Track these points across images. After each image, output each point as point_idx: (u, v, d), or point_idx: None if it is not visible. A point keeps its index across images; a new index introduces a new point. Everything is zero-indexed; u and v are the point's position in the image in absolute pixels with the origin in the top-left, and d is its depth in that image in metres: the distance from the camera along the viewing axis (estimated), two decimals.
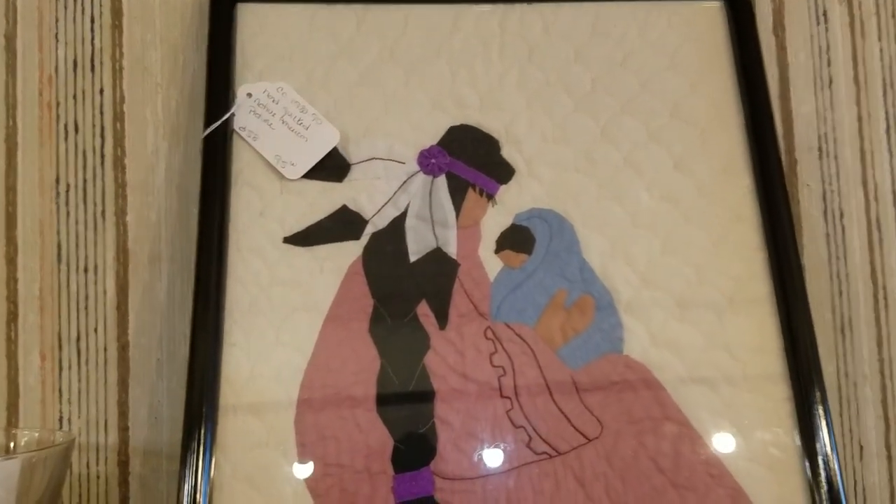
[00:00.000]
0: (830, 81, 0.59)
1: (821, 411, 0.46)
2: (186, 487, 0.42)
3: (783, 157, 0.57)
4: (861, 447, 0.55)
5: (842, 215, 0.58)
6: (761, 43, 0.57)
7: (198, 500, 0.42)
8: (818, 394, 0.47)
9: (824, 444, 0.46)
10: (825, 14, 0.60)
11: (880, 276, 0.57)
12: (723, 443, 0.46)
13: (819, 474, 0.45)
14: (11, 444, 0.45)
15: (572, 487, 0.45)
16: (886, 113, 0.59)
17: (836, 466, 0.45)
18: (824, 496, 0.45)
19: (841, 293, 0.57)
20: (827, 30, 0.60)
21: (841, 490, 0.45)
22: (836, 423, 0.55)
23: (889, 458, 0.55)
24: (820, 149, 0.59)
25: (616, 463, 0.46)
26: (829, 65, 0.59)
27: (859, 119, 0.59)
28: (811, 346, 0.47)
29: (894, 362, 0.57)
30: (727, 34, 0.56)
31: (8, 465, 0.37)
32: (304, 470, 0.44)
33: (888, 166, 0.58)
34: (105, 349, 0.52)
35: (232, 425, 0.45)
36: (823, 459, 0.45)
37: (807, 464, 0.46)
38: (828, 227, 0.58)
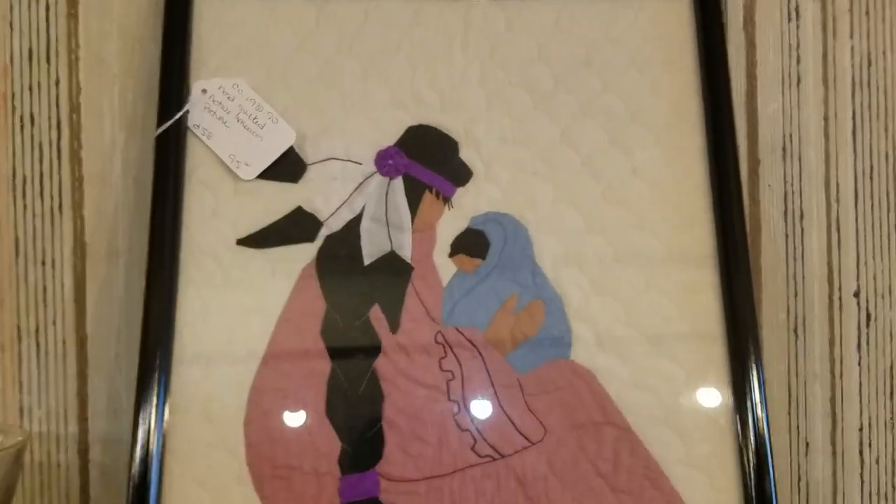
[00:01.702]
0: (799, 80, 0.58)
1: (768, 449, 0.47)
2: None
3: (746, 158, 0.57)
4: (807, 444, 0.57)
5: (802, 216, 0.58)
6: (731, 40, 0.57)
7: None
8: (764, 420, 0.47)
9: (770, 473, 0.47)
10: (797, 10, 0.59)
11: (836, 278, 0.58)
12: (662, 448, 0.48)
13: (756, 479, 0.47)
14: None
15: (513, 488, 0.46)
16: (853, 113, 0.58)
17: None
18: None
19: (797, 294, 0.58)
20: (798, 27, 0.59)
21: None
22: (784, 420, 0.57)
23: (833, 454, 0.57)
24: (784, 149, 0.58)
25: (557, 466, 0.47)
26: (798, 63, 0.59)
27: (825, 119, 0.58)
28: (759, 365, 0.48)
29: (845, 361, 0.58)
30: (693, 31, 0.55)
31: None
32: (252, 471, 0.46)
33: (852, 168, 0.58)
34: (64, 342, 0.53)
35: (181, 427, 0.46)
36: (758, 459, 0.47)
37: (748, 471, 0.47)
38: (787, 227, 0.58)
